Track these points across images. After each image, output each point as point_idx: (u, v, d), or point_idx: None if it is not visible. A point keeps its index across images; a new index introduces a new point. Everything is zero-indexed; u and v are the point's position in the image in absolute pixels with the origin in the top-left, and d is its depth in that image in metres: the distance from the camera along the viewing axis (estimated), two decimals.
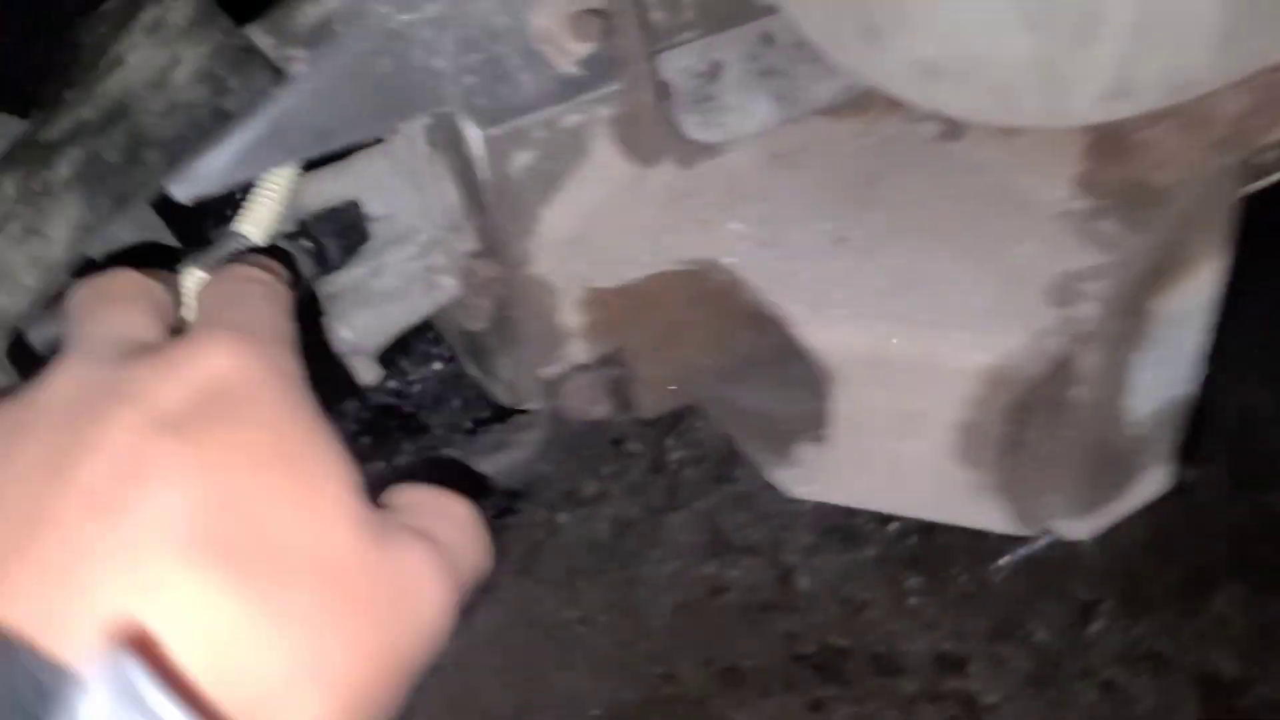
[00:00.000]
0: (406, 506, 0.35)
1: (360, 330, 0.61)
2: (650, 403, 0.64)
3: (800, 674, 1.29)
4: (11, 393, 0.34)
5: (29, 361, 0.43)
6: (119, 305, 0.37)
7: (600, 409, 0.60)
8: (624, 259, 0.56)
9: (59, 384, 0.33)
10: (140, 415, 0.30)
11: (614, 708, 1.25)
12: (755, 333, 0.64)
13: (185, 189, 0.46)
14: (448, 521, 0.35)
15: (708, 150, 0.57)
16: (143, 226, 0.64)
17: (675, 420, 1.63)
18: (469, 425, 1.41)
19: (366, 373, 0.63)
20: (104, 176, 0.46)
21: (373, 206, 0.61)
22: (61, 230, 0.44)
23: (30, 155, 0.50)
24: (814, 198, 0.56)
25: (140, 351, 0.34)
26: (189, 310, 0.49)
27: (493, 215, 0.56)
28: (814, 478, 0.56)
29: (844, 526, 1.48)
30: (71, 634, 0.28)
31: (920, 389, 0.50)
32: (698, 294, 0.61)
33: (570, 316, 0.58)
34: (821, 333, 0.51)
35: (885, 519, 1.50)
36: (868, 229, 0.55)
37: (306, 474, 0.31)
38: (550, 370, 0.59)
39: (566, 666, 1.30)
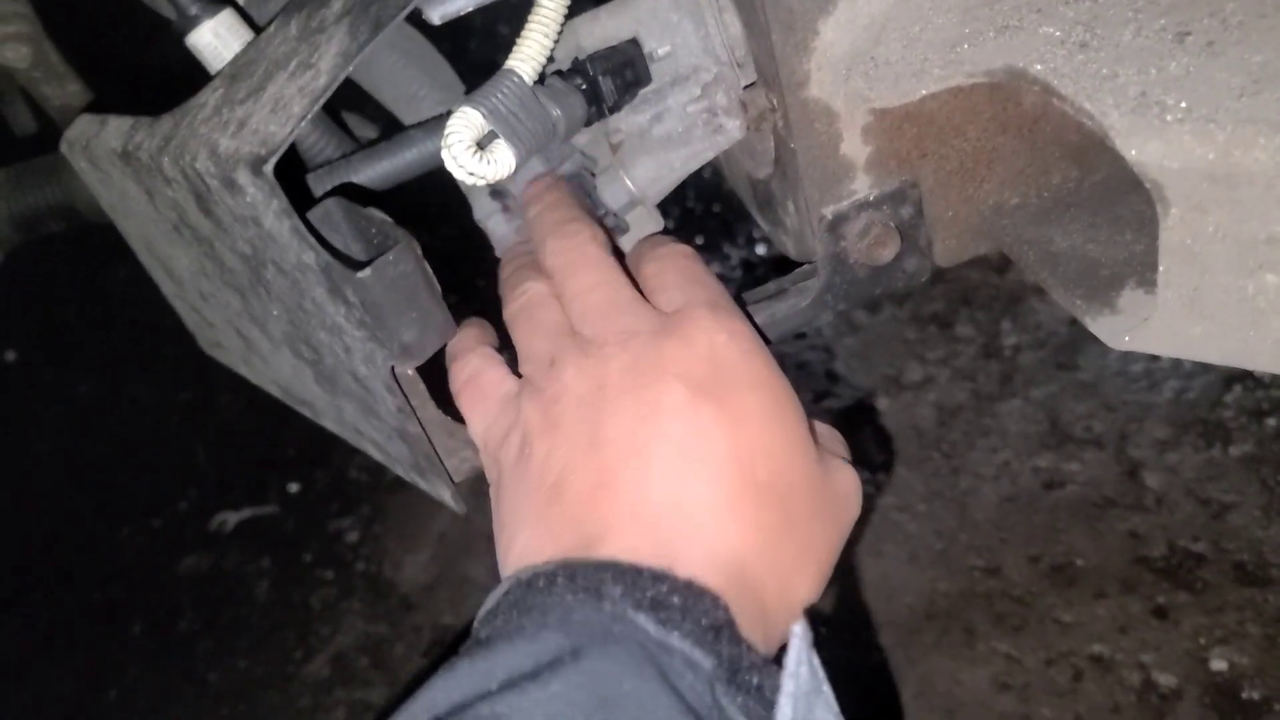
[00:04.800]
0: (822, 436, 0.47)
1: (642, 180, 0.59)
2: (947, 247, 0.57)
3: (1143, 577, 1.16)
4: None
5: (293, 178, 0.44)
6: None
7: (887, 252, 0.54)
8: (913, 73, 0.49)
9: (616, 361, 0.44)
10: (686, 386, 0.42)
11: (929, 598, 1.19)
12: (1075, 166, 0.55)
13: (438, 10, 0.45)
14: (843, 447, 0.48)
15: None
16: (435, 77, 0.65)
17: (1011, 303, 1.51)
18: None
19: (649, 223, 0.61)
20: (366, 5, 0.45)
21: (653, 44, 0.57)
22: (327, 61, 0.44)
23: None
24: None
25: (657, 327, 0.45)
26: (452, 147, 0.49)
27: (769, 33, 0.51)
28: (1142, 325, 0.47)
29: (1207, 420, 1.31)
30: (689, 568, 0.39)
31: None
32: (1003, 117, 0.53)
33: (854, 145, 0.52)
34: (1152, 143, 0.42)
35: (1259, 412, 1.31)
36: (1220, 19, 0.44)
37: (786, 419, 0.43)
38: (831, 208, 0.54)
39: (880, 554, 1.24)
